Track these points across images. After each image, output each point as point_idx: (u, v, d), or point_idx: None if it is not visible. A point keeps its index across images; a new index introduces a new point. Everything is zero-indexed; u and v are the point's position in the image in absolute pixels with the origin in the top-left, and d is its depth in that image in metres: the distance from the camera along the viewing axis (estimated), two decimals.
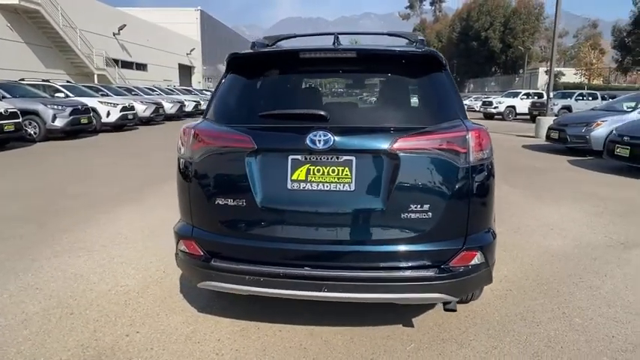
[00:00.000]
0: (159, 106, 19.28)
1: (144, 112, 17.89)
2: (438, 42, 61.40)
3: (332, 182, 2.13)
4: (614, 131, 8.14)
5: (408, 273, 2.13)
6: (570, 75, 43.73)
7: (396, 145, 2.09)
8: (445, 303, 2.35)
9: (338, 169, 2.13)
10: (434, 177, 2.13)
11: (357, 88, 2.40)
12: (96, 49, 28.30)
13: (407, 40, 2.86)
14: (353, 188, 2.13)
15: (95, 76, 27.30)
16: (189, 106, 24.25)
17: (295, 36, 2.87)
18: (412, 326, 2.72)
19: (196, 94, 29.11)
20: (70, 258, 3.83)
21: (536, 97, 24.68)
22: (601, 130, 9.39)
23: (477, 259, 2.21)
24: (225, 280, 2.25)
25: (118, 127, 15.59)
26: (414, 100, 2.36)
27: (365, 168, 2.14)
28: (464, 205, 2.17)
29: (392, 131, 2.13)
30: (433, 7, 71.74)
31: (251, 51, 2.53)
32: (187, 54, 46.68)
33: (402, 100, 2.41)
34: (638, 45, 35.89)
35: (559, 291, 3.18)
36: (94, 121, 13.94)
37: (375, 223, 2.15)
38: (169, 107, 21.29)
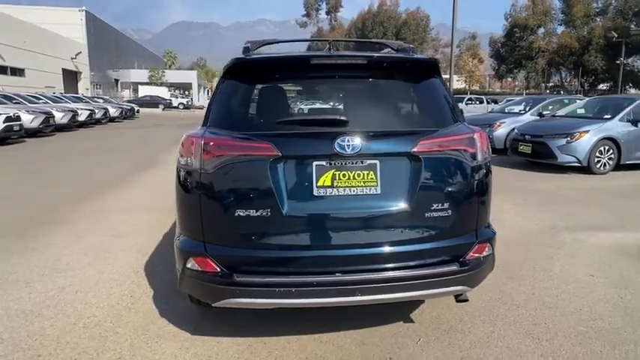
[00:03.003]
0: (49, 116, 17.22)
1: (31, 122, 15.82)
2: (335, 50, 63.79)
3: (358, 186, 2.15)
4: (515, 130, 9.27)
5: (434, 269, 2.24)
6: (454, 81, 48.61)
7: (417, 148, 2.18)
8: (457, 295, 2.50)
9: (363, 173, 2.15)
10: (451, 176, 2.27)
11: (366, 94, 2.44)
12: None
13: (389, 48, 2.98)
14: (379, 191, 2.17)
15: None
16: (82, 115, 22.06)
17: (279, 41, 2.82)
18: (413, 322, 2.83)
19: (88, 102, 26.54)
20: (7, 292, 3.29)
21: None
22: (502, 130, 10.66)
23: (487, 250, 2.40)
24: (252, 295, 2.13)
25: (1, 140, 13.62)
26: (421, 105, 2.47)
27: (389, 170, 2.19)
28: (475, 201, 2.34)
29: (411, 134, 2.22)
30: (329, 16, 74.34)
31: (259, 56, 2.43)
32: (72, 58, 42.34)
33: (411, 105, 2.51)
34: (511, 55, 41.29)
35: (522, 275, 3.54)
36: None
37: (402, 224, 2.21)
38: (60, 117, 19.07)
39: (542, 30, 41.38)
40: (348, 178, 2.14)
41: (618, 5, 36.14)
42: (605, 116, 8.53)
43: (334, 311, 2.87)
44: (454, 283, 2.27)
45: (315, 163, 2.13)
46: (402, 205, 2.19)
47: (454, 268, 2.26)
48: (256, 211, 2.10)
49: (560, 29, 40.04)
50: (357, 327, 2.75)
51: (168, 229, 4.85)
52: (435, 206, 2.21)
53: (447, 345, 2.57)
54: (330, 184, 2.13)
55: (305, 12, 73.47)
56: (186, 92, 61.39)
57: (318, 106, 2.42)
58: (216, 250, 2.19)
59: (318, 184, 2.13)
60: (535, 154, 8.49)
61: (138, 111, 33.11)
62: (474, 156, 2.31)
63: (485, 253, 2.39)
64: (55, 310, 3.02)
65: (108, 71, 53.29)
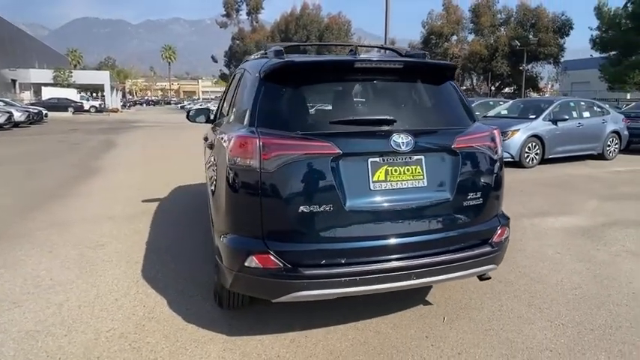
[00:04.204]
0: None
1: None
2: (257, 51, 63.39)
3: (408, 180, 2.36)
4: None
5: (473, 251, 2.52)
6: None
7: (455, 144, 2.47)
8: (482, 274, 2.80)
9: (411, 168, 2.37)
10: (481, 168, 2.58)
11: (402, 95, 2.65)
12: None
13: (397, 53, 3.23)
14: (425, 184, 2.40)
15: None
16: None
17: (305, 44, 2.94)
18: (431, 304, 3.10)
19: None
20: None
21: None
22: None
23: (506, 232, 2.75)
24: (317, 287, 2.24)
25: None
26: (447, 105, 2.74)
27: (432, 165, 2.44)
28: (497, 190, 2.67)
29: (449, 132, 2.49)
30: (249, 18, 73.52)
31: (306, 59, 2.52)
32: None
33: (438, 105, 2.75)
34: None
35: (506, 257, 3.95)
36: None
37: (447, 212, 2.47)
38: None
39: (455, 37, 44.96)
40: (399, 173, 2.34)
41: (518, 17, 40.52)
42: (531, 116, 9.63)
43: (359, 301, 3.04)
44: (487, 262, 2.57)
45: (370, 159, 2.30)
46: (445, 195, 2.45)
47: (488, 249, 2.57)
48: (319, 207, 2.21)
49: (471, 37, 43.83)
50: (385, 313, 2.95)
51: (147, 236, 4.67)
52: (471, 195, 2.50)
53: (469, 320, 2.86)
54: (384, 178, 2.32)
55: (225, 12, 71.90)
56: (94, 94, 56.87)
57: (360, 106, 2.58)
58: (279, 246, 2.25)
59: (374, 179, 2.30)
60: None
61: (46, 115, 30.20)
62: (495, 150, 2.64)
63: (505, 235, 2.74)
64: (64, 327, 2.83)
65: (2, 70, 47.82)
